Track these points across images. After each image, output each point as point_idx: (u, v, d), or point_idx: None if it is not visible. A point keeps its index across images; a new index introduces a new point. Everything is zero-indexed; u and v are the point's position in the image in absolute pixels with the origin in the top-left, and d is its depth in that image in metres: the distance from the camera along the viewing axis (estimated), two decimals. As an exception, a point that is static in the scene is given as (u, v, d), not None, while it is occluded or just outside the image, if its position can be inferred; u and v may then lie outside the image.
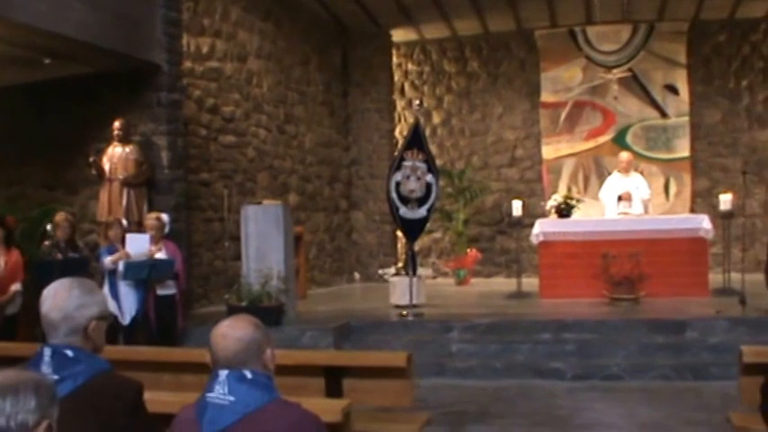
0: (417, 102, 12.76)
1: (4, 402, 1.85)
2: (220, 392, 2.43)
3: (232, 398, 2.42)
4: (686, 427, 6.15)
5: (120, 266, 7.87)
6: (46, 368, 2.47)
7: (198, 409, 2.47)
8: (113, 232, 8.21)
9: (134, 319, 7.99)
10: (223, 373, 2.46)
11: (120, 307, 7.86)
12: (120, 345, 7.31)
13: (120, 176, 9.29)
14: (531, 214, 13.68)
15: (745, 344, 5.14)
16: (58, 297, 2.56)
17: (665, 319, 8.79)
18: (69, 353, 2.51)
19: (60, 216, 8.18)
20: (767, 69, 14.79)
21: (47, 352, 2.52)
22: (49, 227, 8.12)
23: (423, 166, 9.80)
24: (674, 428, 6.14)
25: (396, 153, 11.64)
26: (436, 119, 16.09)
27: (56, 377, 2.42)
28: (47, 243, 8.07)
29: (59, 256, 7.87)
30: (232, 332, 2.50)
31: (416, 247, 10.72)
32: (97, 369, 2.53)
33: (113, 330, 7.35)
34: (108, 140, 9.46)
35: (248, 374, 2.45)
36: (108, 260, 7.95)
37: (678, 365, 7.93)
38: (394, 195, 9.72)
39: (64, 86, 9.76)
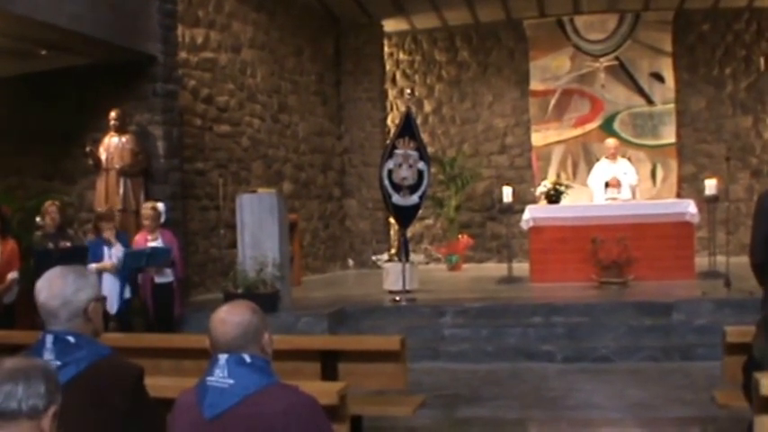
0: (409, 91, 12.85)
1: (16, 387, 1.90)
2: (220, 376, 2.48)
3: (232, 381, 2.47)
4: (674, 406, 6.22)
5: (120, 255, 7.91)
6: (48, 355, 2.49)
7: (198, 393, 2.52)
8: (108, 231, 8.07)
9: (129, 306, 8.05)
10: (223, 357, 2.50)
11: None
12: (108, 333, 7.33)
13: (117, 166, 9.32)
14: (522, 200, 13.74)
15: (730, 325, 5.15)
16: (55, 285, 2.58)
17: (653, 301, 8.87)
18: (71, 339, 2.54)
19: (47, 203, 8.16)
20: (750, 57, 14.88)
21: (49, 339, 2.54)
22: (38, 218, 8.11)
23: (414, 154, 9.79)
24: (661, 408, 6.20)
25: (388, 141, 11.69)
26: (427, 107, 16.13)
27: (58, 363, 2.43)
28: (38, 233, 8.05)
29: (50, 245, 7.81)
30: (231, 317, 2.54)
31: (409, 233, 10.78)
32: (99, 354, 2.56)
33: (104, 319, 7.36)
34: (104, 130, 9.49)
35: (247, 358, 2.49)
36: (92, 267, 7.60)
37: (665, 347, 8.02)
38: (386, 183, 9.71)
39: (61, 77, 9.76)
